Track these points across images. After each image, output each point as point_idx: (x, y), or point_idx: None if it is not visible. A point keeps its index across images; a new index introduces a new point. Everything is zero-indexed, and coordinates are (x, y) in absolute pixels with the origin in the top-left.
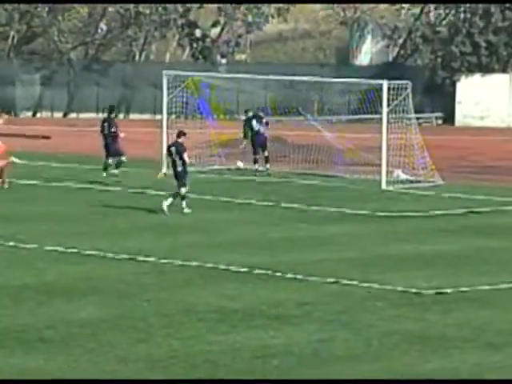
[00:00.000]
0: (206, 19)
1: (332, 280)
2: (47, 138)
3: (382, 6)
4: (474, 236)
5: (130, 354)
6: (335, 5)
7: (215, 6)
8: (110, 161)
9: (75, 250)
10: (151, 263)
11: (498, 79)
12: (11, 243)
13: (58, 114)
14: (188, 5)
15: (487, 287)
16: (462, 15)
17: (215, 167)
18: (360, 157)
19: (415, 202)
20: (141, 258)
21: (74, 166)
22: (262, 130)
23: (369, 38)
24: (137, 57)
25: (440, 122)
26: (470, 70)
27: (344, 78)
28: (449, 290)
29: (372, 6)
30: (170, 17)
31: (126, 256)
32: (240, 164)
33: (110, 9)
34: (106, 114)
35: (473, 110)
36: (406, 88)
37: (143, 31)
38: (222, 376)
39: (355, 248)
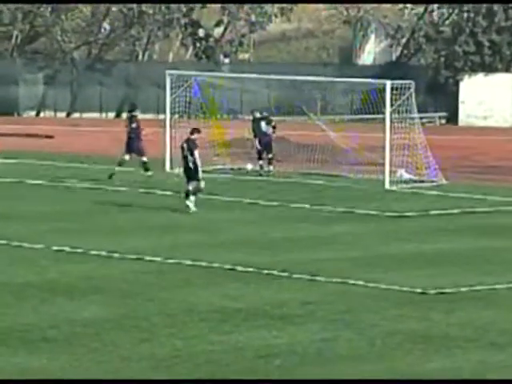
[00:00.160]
0: (210, 19)
1: (335, 279)
2: (50, 137)
3: (386, 5)
4: (478, 236)
5: (133, 353)
6: (338, 4)
7: (218, 5)
8: (127, 157)
9: (78, 249)
10: (154, 263)
11: (501, 79)
12: (15, 242)
13: (61, 114)
14: (191, 4)
15: (490, 287)
16: (465, 15)
17: (218, 167)
18: (364, 156)
19: (418, 201)
20: (143, 258)
21: (78, 166)
22: (269, 132)
23: (372, 37)
24: (140, 56)
25: (443, 121)
26: (474, 69)
27: (347, 77)
28: (452, 290)
29: (375, 5)
30: (173, 16)
31: (129, 255)
32: (249, 166)
33: (114, 8)
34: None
35: (476, 109)
36: (409, 88)
37: (146, 31)
38: (225, 376)
39: (359, 247)
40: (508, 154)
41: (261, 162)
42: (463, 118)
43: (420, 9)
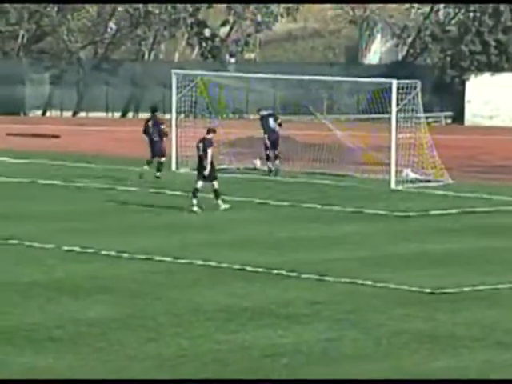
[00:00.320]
0: (216, 18)
1: (341, 279)
2: (56, 137)
3: (392, 5)
4: (484, 235)
5: (139, 352)
6: (344, 4)
7: (224, 5)
8: (155, 159)
9: (87, 249)
10: (161, 262)
11: (507, 78)
12: (22, 241)
13: (68, 113)
14: (197, 4)
15: (497, 286)
16: (471, 14)
17: (223, 166)
18: (370, 156)
19: (424, 201)
20: (150, 257)
21: (86, 166)
22: (277, 129)
23: (378, 37)
24: (146, 56)
25: (449, 121)
26: (480, 69)
27: (353, 77)
28: (458, 290)
29: (381, 4)
30: (179, 16)
31: (137, 255)
32: (257, 162)
33: (120, 8)
34: (150, 114)
35: (482, 109)
36: (415, 87)
37: (152, 30)
38: (231, 375)
39: (365, 247)
40: None
41: (269, 163)
42: (469, 118)
43: (426, 8)
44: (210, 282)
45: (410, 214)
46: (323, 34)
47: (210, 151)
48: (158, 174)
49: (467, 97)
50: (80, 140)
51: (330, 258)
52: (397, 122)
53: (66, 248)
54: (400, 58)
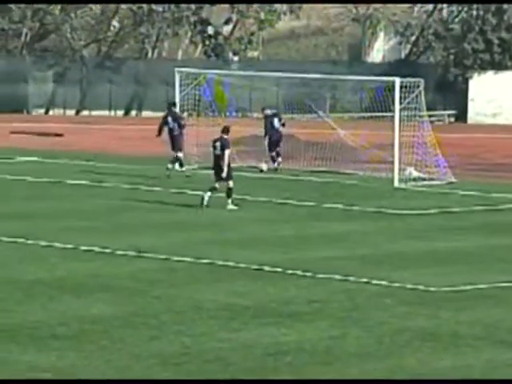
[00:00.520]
0: (219, 16)
1: (343, 277)
2: (59, 135)
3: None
4: (487, 233)
5: (141, 350)
6: (347, 4)
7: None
8: (181, 155)
9: (88, 247)
10: (163, 260)
11: (510, 76)
12: (25, 239)
13: (71, 112)
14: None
15: (500, 285)
16: (474, 12)
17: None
18: (373, 154)
19: (427, 199)
20: (152, 255)
21: (90, 164)
22: (281, 129)
23: (381, 35)
24: (149, 54)
25: (452, 119)
26: (483, 67)
27: (356, 75)
28: (461, 288)
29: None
30: (182, 14)
31: (137, 253)
32: (264, 167)
33: (123, 6)
34: (166, 110)
35: (485, 107)
36: (418, 86)
37: (156, 28)
38: (234, 373)
39: (367, 245)
40: None
41: (275, 164)
42: (472, 116)
43: (429, 6)
44: (212, 280)
45: (413, 212)
46: (326, 32)
47: (227, 152)
48: (170, 166)
49: (470, 95)
50: (83, 138)
51: (332, 255)
52: (400, 120)
53: (68, 246)
54: (403, 56)
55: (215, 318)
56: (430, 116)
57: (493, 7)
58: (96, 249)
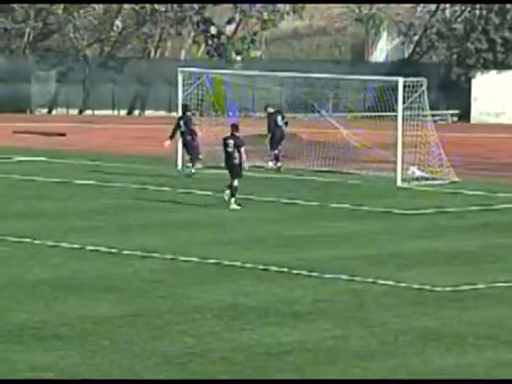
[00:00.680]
0: (221, 16)
1: (347, 277)
2: (62, 135)
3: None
4: (490, 233)
5: (145, 350)
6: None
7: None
8: (188, 157)
9: (91, 247)
10: (167, 260)
11: None
12: (29, 239)
13: (74, 111)
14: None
15: (504, 284)
16: (477, 12)
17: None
18: (376, 154)
19: (430, 199)
20: (156, 255)
21: (96, 164)
22: (284, 127)
23: (384, 34)
24: (152, 54)
25: (455, 119)
26: (486, 66)
27: (359, 75)
28: (465, 287)
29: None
30: (185, 14)
31: (141, 253)
32: (271, 164)
33: (126, 6)
34: (180, 113)
35: (488, 106)
36: (421, 85)
37: (158, 28)
38: (237, 373)
39: (371, 245)
40: None
41: (278, 163)
42: (475, 116)
43: (432, 6)
44: (216, 280)
45: (417, 211)
46: (329, 32)
47: (243, 150)
48: (193, 169)
49: (473, 94)
50: (86, 138)
51: (335, 255)
52: (403, 119)
53: (72, 246)
54: (406, 55)
55: (218, 317)
56: (433, 115)
57: (496, 7)
58: (99, 248)
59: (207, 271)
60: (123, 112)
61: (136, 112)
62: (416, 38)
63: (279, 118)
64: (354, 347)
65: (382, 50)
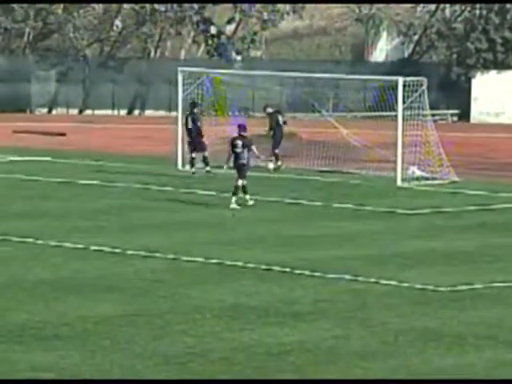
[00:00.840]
0: (221, 16)
1: (348, 277)
2: (62, 134)
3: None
4: (490, 233)
5: (145, 350)
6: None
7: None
8: (194, 155)
9: (92, 247)
10: (167, 260)
11: None
12: (29, 239)
13: (74, 111)
14: (203, 4)
15: (503, 284)
16: (477, 12)
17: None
18: (376, 153)
19: (431, 198)
20: (157, 255)
21: (98, 164)
22: (284, 126)
23: (384, 34)
24: (152, 53)
25: (455, 118)
26: (486, 66)
27: (359, 74)
28: (465, 287)
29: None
30: (185, 14)
31: (143, 253)
32: (271, 166)
33: (126, 5)
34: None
35: (488, 106)
36: (421, 85)
37: (158, 28)
38: (237, 373)
39: (371, 245)
40: None
41: (278, 162)
42: (475, 115)
43: (432, 6)
44: (217, 280)
45: (417, 211)
46: (329, 32)
47: (254, 148)
48: (208, 168)
49: (473, 94)
50: (86, 137)
51: (335, 255)
52: (403, 119)
53: (72, 246)
54: (406, 55)
55: (219, 317)
56: (432, 115)
57: (496, 6)
58: (100, 248)
59: (208, 271)
60: (123, 112)
61: (136, 112)
62: (416, 37)
63: (280, 118)
64: (355, 347)
65: (381, 50)
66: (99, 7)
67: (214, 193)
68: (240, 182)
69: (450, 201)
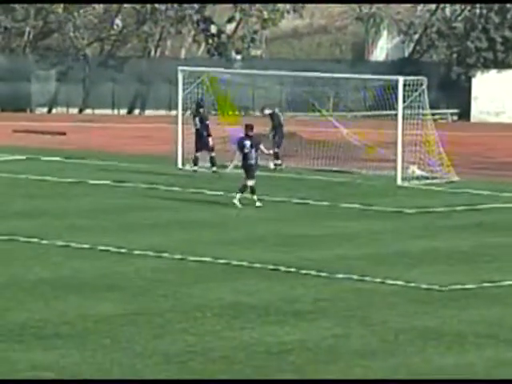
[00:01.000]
0: (222, 15)
1: (348, 276)
2: (62, 134)
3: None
4: (490, 232)
5: (146, 349)
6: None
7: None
8: (199, 154)
9: (93, 246)
10: (168, 259)
11: None
12: (30, 238)
13: (74, 110)
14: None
15: (504, 283)
16: (477, 11)
17: (231, 164)
18: (376, 153)
19: (431, 198)
20: (158, 254)
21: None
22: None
23: (384, 33)
24: (152, 53)
25: (455, 118)
26: (486, 65)
27: (359, 74)
28: (465, 286)
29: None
30: (185, 13)
31: (144, 252)
32: (271, 165)
33: (126, 5)
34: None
35: (488, 106)
36: (421, 84)
37: (159, 27)
38: (238, 372)
39: (371, 244)
40: None
41: (279, 161)
42: (475, 115)
43: (432, 5)
44: (217, 279)
45: (416, 210)
46: (330, 31)
47: (262, 146)
48: (215, 168)
49: (473, 93)
50: (86, 137)
51: (336, 255)
52: (403, 118)
53: (73, 245)
54: (406, 54)
55: (219, 316)
56: (433, 114)
57: (496, 6)
58: (100, 247)
59: (208, 270)
60: (123, 111)
61: (136, 111)
62: (416, 36)
63: (281, 117)
64: (355, 346)
65: (382, 49)
66: (99, 6)
67: (221, 192)
68: (248, 183)
69: (449, 200)
